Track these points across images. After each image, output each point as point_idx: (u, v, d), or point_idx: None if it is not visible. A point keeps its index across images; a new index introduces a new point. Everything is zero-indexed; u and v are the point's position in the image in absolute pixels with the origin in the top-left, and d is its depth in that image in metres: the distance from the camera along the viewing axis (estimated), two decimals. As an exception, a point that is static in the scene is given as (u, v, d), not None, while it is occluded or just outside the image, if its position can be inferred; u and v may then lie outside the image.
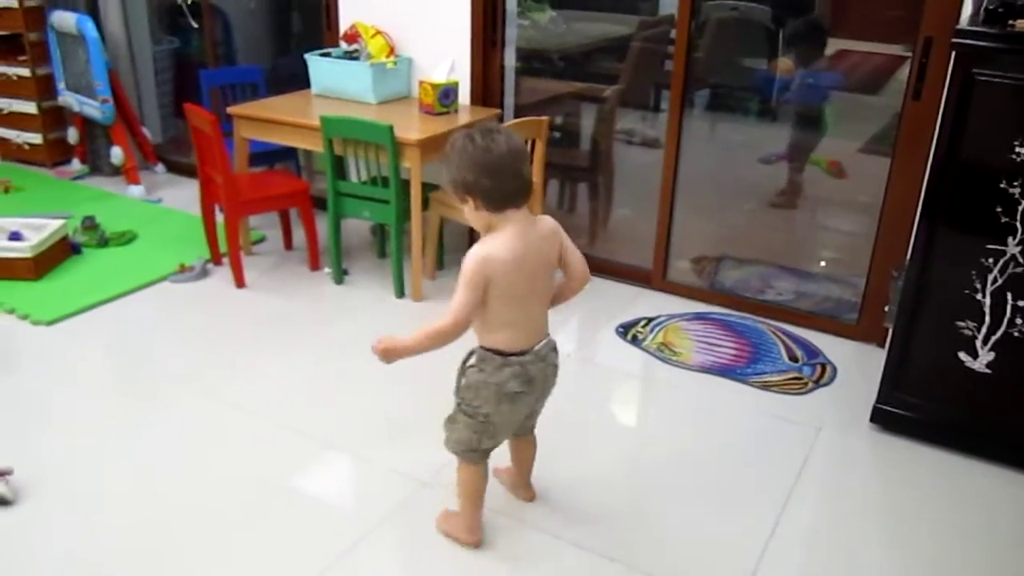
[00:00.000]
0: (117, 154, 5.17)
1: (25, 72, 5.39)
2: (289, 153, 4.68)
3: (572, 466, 2.74)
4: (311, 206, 4.08)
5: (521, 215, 2.10)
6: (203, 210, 4.13)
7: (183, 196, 5.07)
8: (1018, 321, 2.61)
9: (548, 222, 2.20)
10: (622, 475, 2.77)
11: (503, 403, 2.19)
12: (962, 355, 2.73)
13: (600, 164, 4.64)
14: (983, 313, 2.65)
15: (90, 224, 4.40)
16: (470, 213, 2.11)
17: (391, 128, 3.53)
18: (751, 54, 4.57)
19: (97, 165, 5.50)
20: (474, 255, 2.06)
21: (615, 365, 3.45)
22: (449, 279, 4.06)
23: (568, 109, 4.74)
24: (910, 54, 3.24)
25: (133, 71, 5.61)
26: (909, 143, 3.26)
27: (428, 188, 3.85)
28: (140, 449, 2.82)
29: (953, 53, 2.53)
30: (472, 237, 4.20)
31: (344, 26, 4.29)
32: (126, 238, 4.44)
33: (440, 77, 4.00)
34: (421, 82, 3.96)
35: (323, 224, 4.10)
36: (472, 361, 2.21)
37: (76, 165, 5.56)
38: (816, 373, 3.35)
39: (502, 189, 2.05)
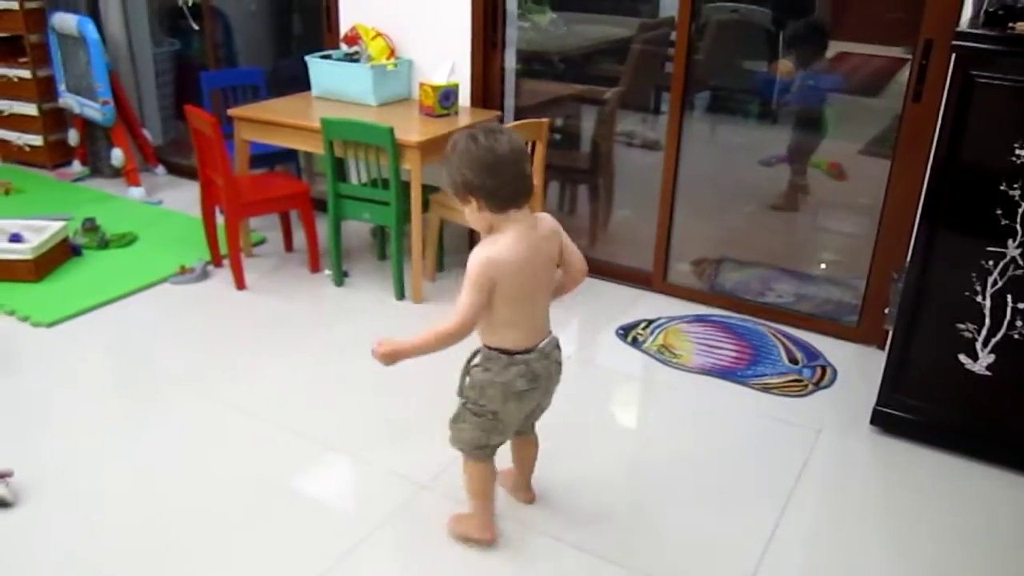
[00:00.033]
0: (118, 156, 5.17)
1: (26, 74, 5.39)
2: (290, 155, 4.68)
3: (572, 468, 2.74)
4: (311, 208, 4.08)
5: (523, 215, 2.10)
6: (203, 212, 4.13)
7: (183, 198, 5.07)
8: (1018, 323, 2.61)
9: (548, 220, 2.20)
10: (622, 477, 2.77)
11: (510, 401, 2.20)
12: (962, 357, 2.73)
13: (600, 166, 4.64)
14: (983, 315, 2.65)
15: (91, 226, 4.41)
16: (471, 214, 2.11)
17: (391, 130, 3.53)
18: (751, 56, 4.57)
19: (98, 167, 5.50)
20: (479, 257, 2.05)
21: (615, 367, 3.45)
22: (449, 281, 4.06)
23: (568, 111, 4.74)
24: (910, 56, 3.24)
25: (134, 73, 5.61)
26: (909, 145, 3.26)
27: (428, 190, 3.85)
28: (140, 451, 2.82)
29: (953, 55, 2.53)
30: (472, 239, 4.21)
31: (344, 28, 4.29)
32: (126, 240, 4.44)
33: (440, 79, 4.00)
34: (421, 84, 3.96)
35: (323, 226, 4.10)
36: (477, 361, 2.21)
37: (77, 167, 5.56)
38: (816, 375, 3.35)
39: (505, 189, 2.05)
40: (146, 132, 5.51)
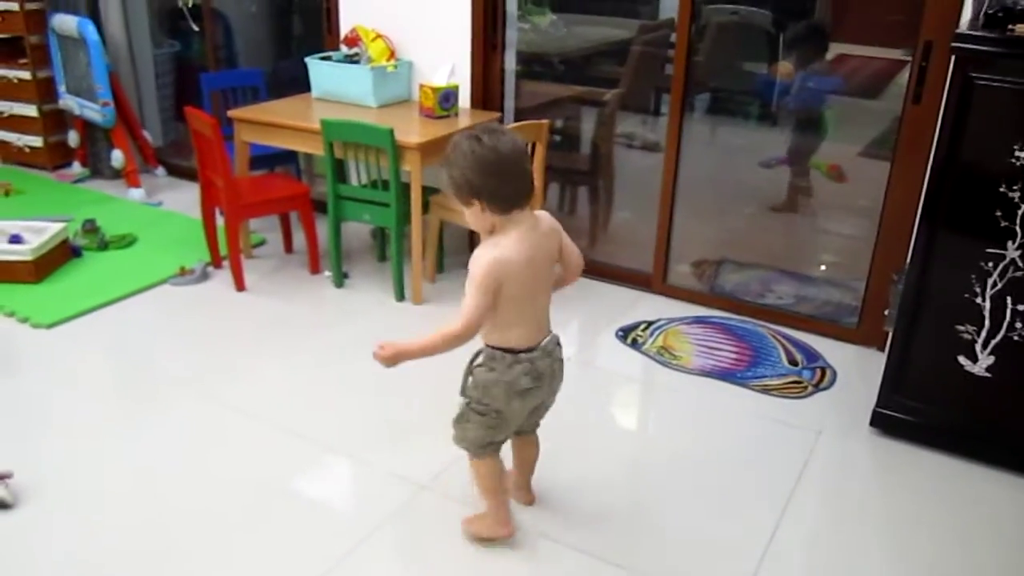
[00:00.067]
0: (118, 157, 5.18)
1: (26, 75, 5.39)
2: (290, 156, 4.69)
3: (572, 469, 2.74)
4: (311, 209, 4.08)
5: (525, 216, 2.11)
6: (203, 213, 4.13)
7: (183, 199, 5.07)
8: (1018, 325, 2.61)
9: (546, 218, 2.21)
10: (622, 478, 2.77)
11: (514, 400, 2.21)
12: (962, 359, 2.73)
13: (600, 168, 4.65)
14: (983, 317, 2.65)
15: (90, 227, 4.41)
16: (474, 216, 2.10)
17: (391, 131, 3.53)
18: (751, 58, 4.57)
19: (98, 168, 5.50)
20: (484, 259, 2.05)
21: (615, 369, 3.45)
22: (449, 282, 4.06)
23: (568, 113, 4.74)
24: (910, 58, 3.24)
25: (134, 74, 5.62)
26: (909, 147, 3.27)
27: (428, 191, 3.85)
28: (140, 452, 2.82)
29: (953, 57, 2.54)
30: (472, 240, 4.21)
31: (344, 30, 4.30)
32: (126, 241, 4.44)
33: (440, 81, 4.00)
34: (421, 85, 3.96)
35: (323, 227, 4.10)
36: (480, 360, 2.21)
37: (77, 168, 5.56)
38: (816, 377, 3.35)
39: (509, 191, 2.05)
40: (146, 133, 5.51)
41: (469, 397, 2.26)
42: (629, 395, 3.39)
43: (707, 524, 2.54)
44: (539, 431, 2.47)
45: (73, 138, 5.47)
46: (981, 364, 2.70)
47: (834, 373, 3.38)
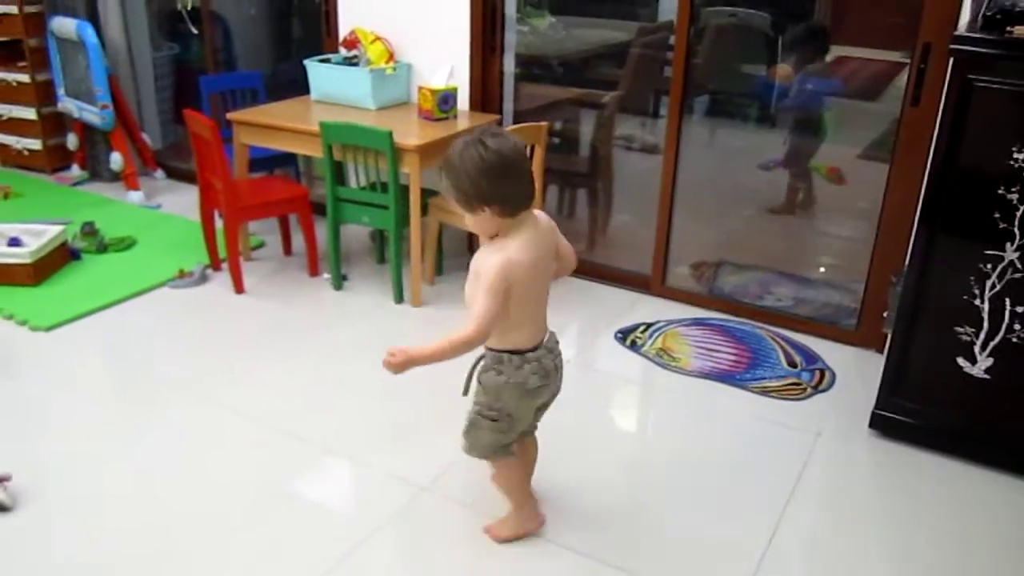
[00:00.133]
0: (117, 160, 5.18)
1: (25, 78, 5.39)
2: (289, 159, 4.68)
3: (571, 471, 2.73)
4: (310, 212, 4.08)
5: (529, 216, 2.11)
6: (202, 216, 4.13)
7: (182, 202, 5.07)
8: (1016, 327, 2.61)
9: (544, 217, 2.22)
10: (621, 480, 2.77)
11: (525, 400, 2.22)
12: (961, 361, 2.73)
13: (599, 170, 4.65)
14: (981, 319, 2.65)
15: (89, 230, 4.41)
16: (480, 222, 2.09)
17: (390, 134, 3.53)
18: (750, 60, 4.58)
19: (97, 171, 5.51)
20: (496, 262, 2.05)
21: (614, 370, 3.45)
22: (448, 284, 4.06)
23: (567, 115, 4.75)
24: (908, 60, 3.24)
25: (133, 77, 5.62)
26: (908, 149, 3.27)
27: (427, 194, 3.85)
28: (139, 454, 2.82)
29: (951, 59, 2.54)
30: (472, 242, 4.21)
31: (343, 32, 4.30)
32: (125, 244, 4.44)
33: (439, 83, 4.01)
34: (420, 88, 3.96)
35: (322, 230, 4.10)
36: (486, 365, 2.21)
37: (76, 171, 5.56)
38: (815, 379, 3.35)
39: (519, 192, 2.05)
40: (145, 136, 5.51)
41: (479, 405, 2.26)
42: (628, 397, 3.39)
43: (706, 525, 2.54)
44: (539, 432, 2.47)
45: (72, 141, 5.47)
46: (980, 366, 2.70)
47: (833, 375, 3.38)
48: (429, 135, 3.72)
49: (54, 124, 5.53)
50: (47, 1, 5.23)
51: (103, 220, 4.61)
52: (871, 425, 2.96)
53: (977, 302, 2.64)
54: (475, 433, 2.30)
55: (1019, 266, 2.56)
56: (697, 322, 3.80)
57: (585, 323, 3.78)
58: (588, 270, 4.13)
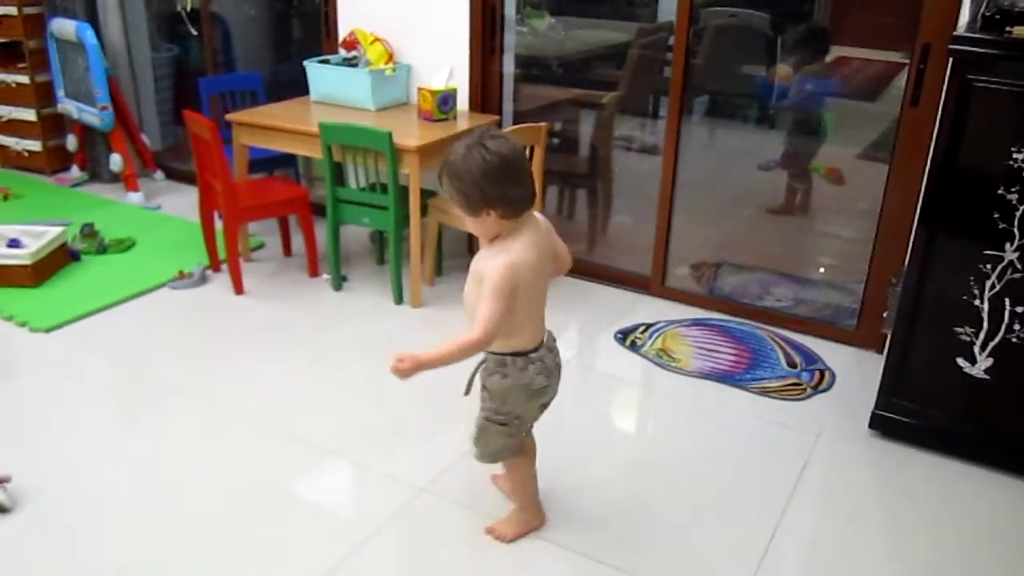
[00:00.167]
0: (116, 161, 5.18)
1: (24, 79, 5.39)
2: (288, 160, 4.68)
3: (570, 472, 2.73)
4: (310, 213, 4.08)
5: (530, 217, 2.12)
6: (202, 217, 4.13)
7: (182, 203, 5.07)
8: (1016, 327, 2.61)
9: (541, 218, 2.23)
10: (621, 480, 2.77)
11: (531, 400, 2.24)
12: (960, 361, 2.73)
13: (599, 170, 4.65)
14: (981, 319, 2.65)
15: (89, 231, 4.41)
16: (483, 225, 2.09)
17: (390, 135, 3.53)
18: (750, 61, 4.58)
19: (96, 172, 5.51)
20: (502, 265, 2.04)
21: (614, 371, 3.44)
22: (448, 285, 4.06)
23: (567, 115, 4.75)
24: (908, 61, 3.24)
25: (132, 78, 5.62)
26: (907, 149, 3.27)
27: (427, 195, 3.85)
28: (139, 455, 2.82)
29: (951, 60, 2.54)
30: (472, 243, 4.21)
31: (343, 33, 4.30)
32: (125, 245, 4.44)
33: (439, 84, 4.01)
34: (420, 89, 3.96)
35: (322, 231, 4.10)
36: (489, 369, 2.22)
37: (75, 172, 5.56)
38: (815, 379, 3.35)
39: (522, 193, 2.06)
40: (145, 137, 5.51)
41: (486, 411, 2.26)
42: (628, 397, 3.39)
43: (706, 526, 2.54)
44: (537, 434, 2.47)
45: (72, 142, 5.47)
46: (979, 366, 2.70)
47: (833, 375, 3.38)
48: (429, 136, 3.72)
49: (54, 125, 5.53)
50: (47, 2, 5.22)
51: (103, 221, 4.61)
52: (871, 425, 2.96)
53: (977, 302, 2.64)
54: (485, 439, 2.31)
55: (1019, 266, 2.56)
56: (697, 323, 3.80)
57: (585, 324, 3.78)
58: (588, 271, 4.13)
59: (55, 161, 5.60)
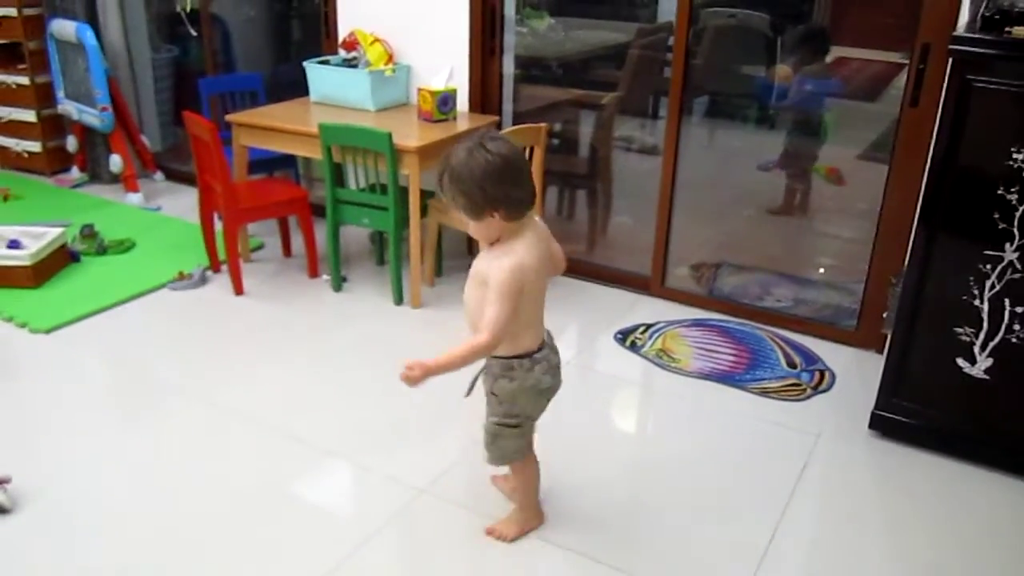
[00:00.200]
0: (116, 162, 5.18)
1: (24, 80, 5.40)
2: (288, 160, 4.68)
3: (571, 472, 2.73)
4: (310, 213, 4.08)
5: (531, 219, 2.13)
6: (202, 217, 4.13)
7: (182, 204, 5.07)
8: (1016, 327, 2.61)
9: (539, 220, 2.24)
10: (621, 481, 2.77)
11: (539, 399, 2.26)
12: (960, 361, 2.73)
13: (599, 171, 4.65)
14: (981, 319, 2.65)
15: (89, 232, 4.41)
16: (486, 228, 2.09)
17: (390, 135, 3.54)
18: (749, 61, 4.58)
19: (96, 173, 5.51)
20: (508, 267, 2.05)
21: (614, 371, 3.44)
22: (448, 286, 4.06)
23: (567, 116, 4.75)
24: (907, 61, 3.24)
25: (132, 79, 5.62)
26: (907, 150, 3.27)
27: (427, 195, 3.85)
28: (139, 456, 2.82)
29: (950, 60, 2.54)
30: (471, 244, 4.21)
31: (343, 34, 4.30)
32: (125, 246, 4.44)
33: (439, 84, 4.01)
34: (420, 89, 3.96)
35: (322, 231, 4.10)
36: (495, 372, 2.22)
37: (75, 173, 5.56)
38: (815, 379, 3.35)
39: (524, 194, 2.06)
40: (145, 138, 5.51)
41: (497, 416, 2.27)
42: (628, 398, 3.39)
43: (706, 526, 2.54)
44: (539, 434, 2.47)
45: (72, 143, 5.47)
46: (979, 366, 2.70)
47: (833, 376, 3.38)
48: (428, 136, 3.72)
49: (54, 126, 5.53)
50: (47, 4, 5.23)
51: (103, 222, 4.61)
52: (871, 426, 2.96)
53: (976, 302, 2.64)
54: (499, 444, 2.31)
55: (1018, 266, 2.56)
56: (697, 323, 3.80)
57: (585, 324, 3.77)
58: (588, 271, 4.13)
59: (55, 162, 5.60)
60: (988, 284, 2.61)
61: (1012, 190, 2.51)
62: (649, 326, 3.74)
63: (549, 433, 2.49)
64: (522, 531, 2.45)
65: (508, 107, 4.26)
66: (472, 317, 2.18)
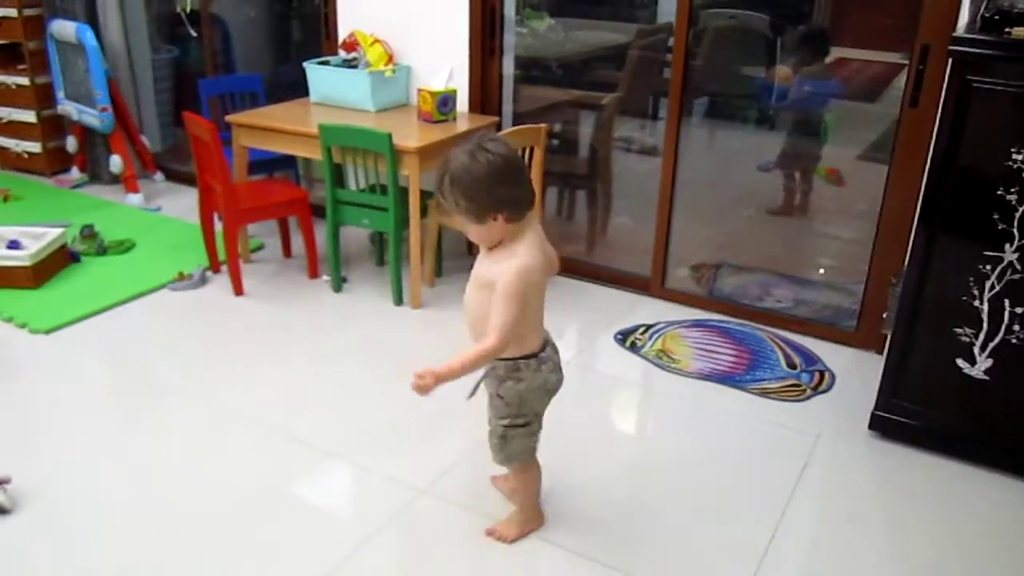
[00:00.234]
0: (116, 162, 5.18)
1: (24, 81, 5.40)
2: (288, 161, 4.68)
3: (570, 473, 2.73)
4: (310, 214, 4.08)
5: (531, 220, 2.13)
6: (202, 218, 4.13)
7: (182, 204, 5.07)
8: (1016, 328, 2.61)
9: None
10: (621, 482, 2.77)
11: (546, 397, 2.27)
12: (960, 362, 2.73)
13: (598, 172, 4.65)
14: (981, 320, 2.65)
15: (89, 232, 4.41)
16: (489, 231, 2.09)
17: (390, 136, 3.54)
18: (749, 62, 4.58)
19: (96, 173, 5.51)
20: (515, 269, 2.05)
21: (614, 372, 3.44)
22: (448, 286, 4.06)
23: (566, 117, 4.75)
24: (907, 62, 3.25)
25: (132, 80, 5.62)
26: (907, 150, 3.27)
27: (427, 196, 3.85)
28: (139, 457, 2.82)
29: (950, 61, 2.54)
30: (471, 244, 4.21)
31: (343, 34, 4.30)
32: (125, 246, 4.44)
33: (439, 85, 4.01)
34: (420, 90, 3.97)
35: (322, 232, 4.10)
36: (499, 374, 2.22)
37: (75, 174, 5.56)
38: (815, 380, 3.35)
39: (525, 195, 2.07)
40: (145, 139, 5.52)
41: (506, 418, 2.27)
42: (628, 398, 3.39)
43: (706, 527, 2.54)
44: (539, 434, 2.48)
45: (71, 144, 5.47)
46: (979, 367, 2.70)
47: (832, 376, 3.38)
48: (428, 137, 3.72)
49: (54, 127, 5.53)
50: (47, 4, 5.23)
51: (103, 223, 4.61)
52: (871, 426, 2.96)
53: (976, 303, 2.65)
54: (509, 445, 2.32)
55: (1018, 267, 2.56)
56: (697, 323, 3.80)
57: (585, 325, 3.77)
58: (588, 272, 4.13)
59: (55, 163, 5.60)
60: (988, 285, 2.61)
61: (1012, 190, 2.51)
62: (649, 327, 3.74)
63: (549, 433, 2.48)
64: (522, 532, 2.46)
65: (508, 108, 4.26)
66: (473, 320, 2.18)
